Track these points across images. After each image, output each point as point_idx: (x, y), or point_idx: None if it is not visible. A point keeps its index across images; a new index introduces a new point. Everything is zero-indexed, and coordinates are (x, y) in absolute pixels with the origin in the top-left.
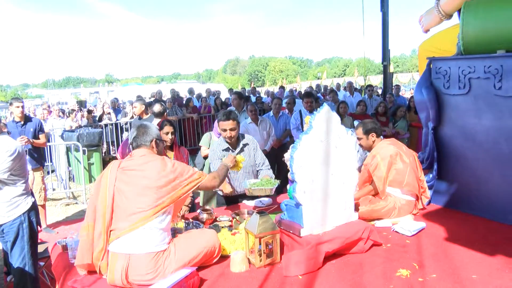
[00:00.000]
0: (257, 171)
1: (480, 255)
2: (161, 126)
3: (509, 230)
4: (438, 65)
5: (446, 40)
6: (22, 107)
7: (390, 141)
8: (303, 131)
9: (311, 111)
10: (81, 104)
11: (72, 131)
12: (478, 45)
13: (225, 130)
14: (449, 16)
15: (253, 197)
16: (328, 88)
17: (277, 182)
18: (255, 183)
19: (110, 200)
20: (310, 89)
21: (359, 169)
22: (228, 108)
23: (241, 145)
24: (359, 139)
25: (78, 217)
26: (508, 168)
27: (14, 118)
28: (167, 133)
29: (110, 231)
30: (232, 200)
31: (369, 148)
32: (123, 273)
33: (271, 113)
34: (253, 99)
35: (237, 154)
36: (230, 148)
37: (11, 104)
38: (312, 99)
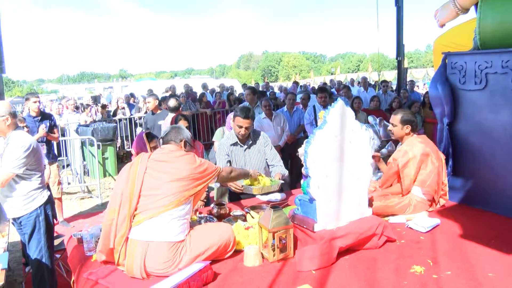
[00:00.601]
0: (270, 167)
1: (496, 253)
2: (175, 120)
3: None
4: (453, 60)
5: (462, 34)
6: (39, 102)
7: (421, 139)
8: (317, 126)
9: (325, 106)
10: (95, 99)
11: (87, 125)
12: (496, 40)
13: (240, 127)
14: (465, 10)
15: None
16: (342, 83)
17: (279, 182)
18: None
19: (138, 188)
20: (324, 85)
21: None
22: (246, 105)
23: (250, 142)
24: (393, 125)
25: (93, 211)
26: None
27: (30, 112)
28: None
29: (134, 215)
30: (243, 196)
31: (400, 139)
32: (141, 261)
33: (285, 108)
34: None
35: (245, 150)
36: (239, 143)
37: (27, 99)
38: (326, 94)
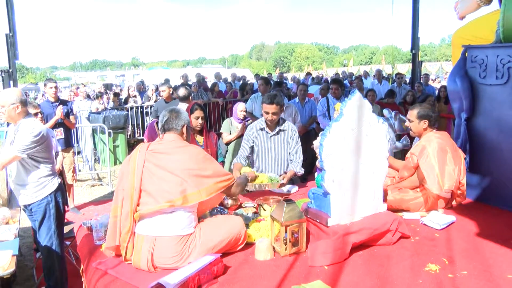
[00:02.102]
0: (289, 160)
1: None
2: (191, 110)
3: None
4: (474, 54)
5: (483, 27)
6: (56, 87)
7: (440, 135)
8: (329, 118)
9: (338, 98)
10: (107, 87)
11: (98, 113)
12: None
13: (267, 113)
14: (488, 2)
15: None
16: (354, 75)
17: (278, 180)
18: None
19: (138, 182)
20: (337, 76)
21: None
22: (273, 92)
23: (277, 129)
24: (410, 121)
25: (103, 199)
26: None
27: (48, 98)
28: (197, 118)
29: (137, 210)
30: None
31: (418, 134)
32: (149, 256)
33: (296, 99)
34: None
35: (270, 136)
36: (266, 129)
37: (45, 85)
38: (339, 86)
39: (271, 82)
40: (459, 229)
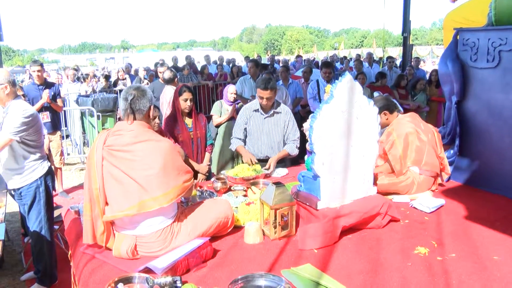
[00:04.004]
0: (285, 142)
1: (501, 236)
2: (179, 92)
3: None
4: (465, 37)
5: (475, 10)
6: (40, 71)
7: (409, 117)
8: (320, 101)
9: (329, 81)
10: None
11: (87, 96)
12: None
13: (261, 98)
14: None
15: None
16: (346, 58)
17: (262, 172)
18: (236, 173)
19: (101, 183)
20: (327, 59)
21: None
22: (265, 76)
23: (272, 111)
24: None
25: None
26: None
27: (34, 80)
28: (186, 100)
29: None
30: None
31: (385, 126)
32: (129, 252)
33: (280, 82)
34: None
35: (265, 118)
36: (261, 110)
37: (30, 66)
38: (331, 69)
39: (261, 64)
40: (448, 212)
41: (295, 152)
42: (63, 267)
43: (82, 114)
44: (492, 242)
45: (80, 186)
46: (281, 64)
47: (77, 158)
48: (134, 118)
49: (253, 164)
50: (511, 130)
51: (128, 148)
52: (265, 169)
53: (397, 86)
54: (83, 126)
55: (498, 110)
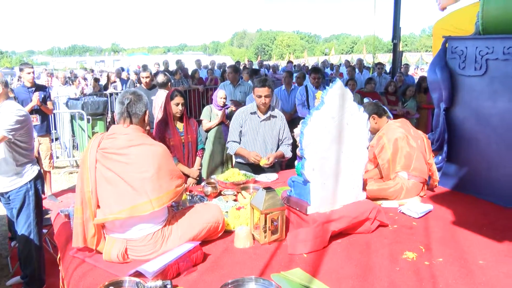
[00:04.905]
0: (279, 145)
1: (487, 241)
2: (171, 97)
3: None
4: (454, 45)
5: (463, 19)
6: (33, 73)
7: (399, 122)
8: (308, 107)
9: (317, 86)
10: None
11: (77, 99)
12: (499, 25)
13: (259, 96)
14: None
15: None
16: (336, 65)
17: (252, 177)
18: (226, 177)
19: (93, 186)
20: (318, 65)
21: None
22: (263, 76)
23: (268, 114)
24: None
25: None
26: None
27: (24, 83)
28: (177, 104)
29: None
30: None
31: (375, 131)
32: (119, 256)
33: (283, 87)
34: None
35: (261, 121)
36: (258, 113)
37: (21, 69)
38: (320, 75)
39: (240, 69)
40: (436, 217)
41: (289, 154)
42: (51, 272)
43: (72, 117)
44: (479, 247)
45: (69, 190)
46: (271, 70)
47: (66, 161)
48: (130, 122)
49: (260, 159)
50: (498, 137)
51: (122, 151)
52: (267, 159)
53: (386, 92)
54: (72, 129)
55: (485, 118)
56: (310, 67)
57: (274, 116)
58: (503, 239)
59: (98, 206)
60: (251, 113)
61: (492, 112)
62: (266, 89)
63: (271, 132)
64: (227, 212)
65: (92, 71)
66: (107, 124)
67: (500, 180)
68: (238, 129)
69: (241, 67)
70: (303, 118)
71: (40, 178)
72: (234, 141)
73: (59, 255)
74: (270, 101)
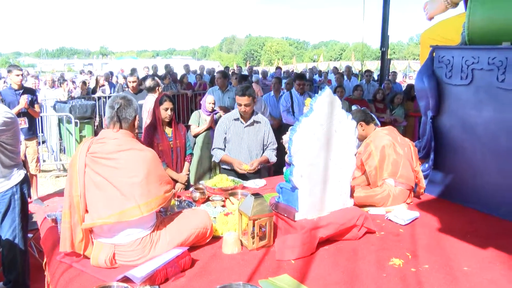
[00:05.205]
0: (264, 150)
1: (472, 247)
2: (160, 102)
3: (501, 224)
4: (441, 54)
5: (450, 29)
6: (22, 75)
7: (386, 130)
8: (293, 113)
9: (302, 93)
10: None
11: (65, 102)
12: (484, 36)
13: (240, 105)
14: (455, 4)
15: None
16: (323, 72)
17: (240, 183)
18: (215, 183)
19: (82, 190)
20: (306, 71)
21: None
22: (245, 84)
23: (252, 120)
24: None
25: None
26: (505, 162)
27: (11, 85)
28: (166, 109)
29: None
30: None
31: (363, 138)
32: (107, 261)
33: (271, 93)
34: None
35: (245, 127)
36: (240, 119)
37: (10, 71)
38: (304, 81)
39: (229, 75)
40: (423, 224)
41: (274, 159)
42: (36, 277)
43: (60, 121)
44: (464, 254)
45: (55, 194)
46: (260, 76)
47: (53, 165)
48: (120, 127)
49: (243, 168)
50: (483, 146)
51: (112, 156)
52: (250, 165)
53: (374, 99)
54: (60, 133)
55: (471, 126)
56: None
57: (257, 122)
58: (487, 246)
59: (87, 211)
60: (235, 120)
61: (478, 121)
62: (246, 98)
63: (255, 138)
64: (215, 218)
65: (91, 72)
66: (95, 128)
67: (485, 188)
68: (222, 136)
69: (230, 73)
70: (290, 124)
71: (26, 181)
72: (219, 148)
73: (45, 260)
74: (251, 109)
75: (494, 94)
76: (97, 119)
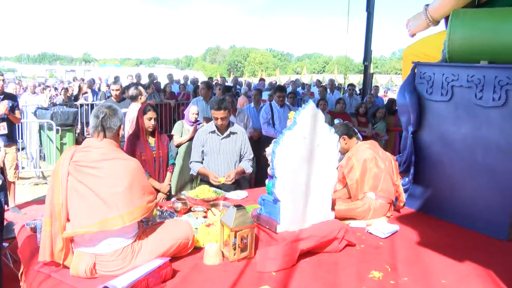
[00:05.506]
0: (241, 161)
1: (449, 261)
2: (144, 111)
3: (477, 237)
4: (422, 70)
5: (431, 46)
6: (3, 80)
7: (368, 144)
8: (273, 125)
9: (282, 105)
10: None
11: (46, 108)
12: (463, 54)
13: (216, 119)
14: (436, 22)
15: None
16: (306, 84)
17: (222, 194)
18: (197, 194)
19: (64, 198)
20: (290, 83)
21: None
22: (218, 97)
23: (228, 132)
24: None
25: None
26: (481, 177)
27: None
28: (150, 119)
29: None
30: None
31: (345, 151)
32: (87, 271)
33: (252, 104)
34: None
35: (221, 139)
36: (217, 131)
37: None
38: (285, 93)
39: (213, 86)
40: (402, 238)
41: (249, 170)
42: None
43: (40, 127)
44: (441, 267)
45: (34, 202)
46: (245, 86)
47: (32, 172)
48: (104, 136)
49: (218, 181)
50: (462, 161)
51: (95, 165)
52: (227, 176)
53: (357, 113)
54: (40, 140)
55: (450, 142)
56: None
57: (234, 133)
58: (464, 259)
59: (68, 220)
60: (211, 132)
61: (456, 137)
62: (222, 112)
63: (233, 149)
64: (196, 228)
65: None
66: (76, 135)
67: (462, 202)
68: (200, 149)
69: (214, 83)
70: (270, 136)
71: (3, 189)
72: (196, 161)
73: (21, 270)
74: (227, 122)
75: (472, 111)
76: (79, 126)
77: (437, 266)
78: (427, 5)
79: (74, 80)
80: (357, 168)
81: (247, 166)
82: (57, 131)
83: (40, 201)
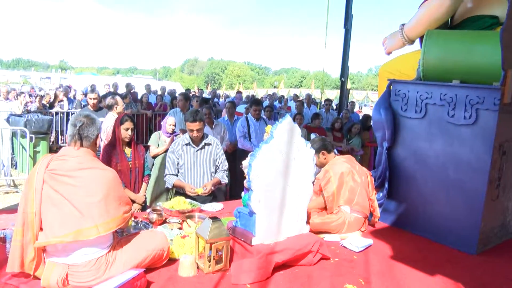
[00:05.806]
0: (216, 171)
1: (421, 274)
2: (121, 121)
3: (448, 252)
4: (398, 88)
5: (406, 64)
6: None
7: (345, 158)
8: (249, 138)
9: (258, 119)
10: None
11: (20, 115)
12: (436, 73)
13: (191, 130)
14: (411, 42)
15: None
16: (284, 97)
17: (198, 206)
18: (172, 205)
19: (38, 207)
20: (267, 97)
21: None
22: (193, 109)
23: (203, 143)
24: None
25: (18, 207)
26: (452, 192)
27: None
28: (127, 129)
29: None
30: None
31: (323, 165)
32: (59, 282)
33: (226, 117)
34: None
35: (196, 151)
36: (192, 144)
37: None
38: (261, 107)
39: (191, 97)
40: (376, 252)
41: (225, 180)
42: None
43: (13, 134)
44: (413, 280)
45: (3, 211)
46: (222, 99)
47: (3, 180)
48: (81, 145)
49: (195, 191)
50: (434, 177)
51: (72, 174)
52: (204, 187)
53: (333, 128)
54: (12, 147)
55: (423, 158)
56: (261, 99)
57: (208, 144)
58: (435, 273)
59: (41, 229)
60: (186, 145)
61: (429, 153)
62: (197, 123)
63: (208, 160)
64: (172, 240)
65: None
66: (51, 143)
67: (434, 217)
68: (175, 162)
69: (191, 95)
70: (246, 150)
71: None
72: (171, 174)
73: None
74: (202, 133)
75: (445, 128)
76: (53, 135)
77: (409, 280)
78: (403, 24)
79: (56, 89)
80: (333, 181)
81: (223, 177)
82: (31, 139)
83: (10, 210)
